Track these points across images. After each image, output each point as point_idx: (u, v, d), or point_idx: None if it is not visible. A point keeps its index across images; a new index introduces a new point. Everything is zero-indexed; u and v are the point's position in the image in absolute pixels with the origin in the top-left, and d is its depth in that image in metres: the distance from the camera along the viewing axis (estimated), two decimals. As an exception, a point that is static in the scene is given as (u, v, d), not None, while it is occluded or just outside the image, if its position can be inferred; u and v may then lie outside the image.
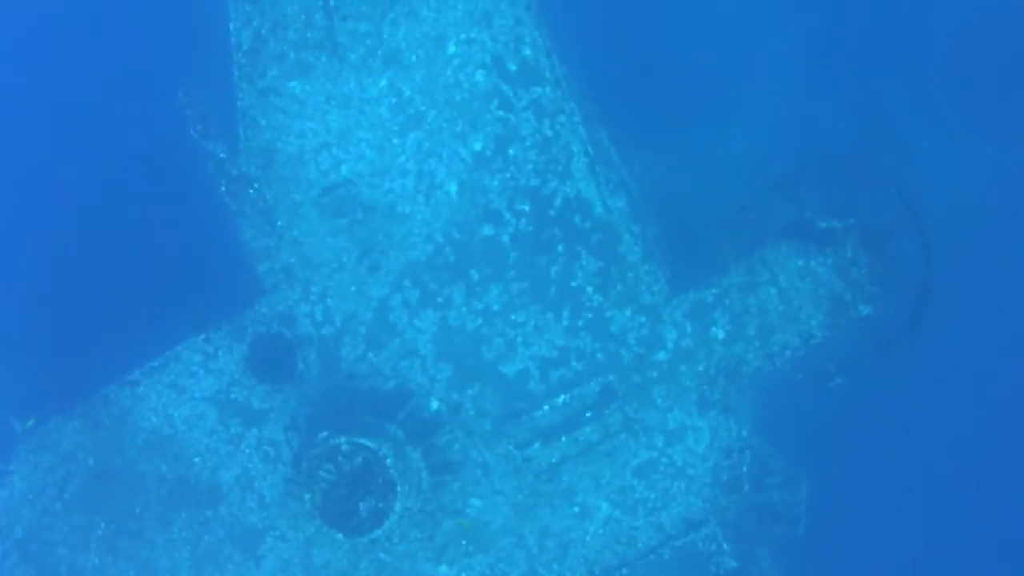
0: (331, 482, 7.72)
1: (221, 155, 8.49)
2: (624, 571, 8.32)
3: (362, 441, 7.65)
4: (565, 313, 8.21)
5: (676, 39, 9.89)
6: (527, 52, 8.15)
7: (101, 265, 10.60)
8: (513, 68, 8.17)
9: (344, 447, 7.68)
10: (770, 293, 8.10)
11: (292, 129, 8.39)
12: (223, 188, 8.49)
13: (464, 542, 8.45)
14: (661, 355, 8.19)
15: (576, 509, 8.37)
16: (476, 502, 8.40)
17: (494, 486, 8.38)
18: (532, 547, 8.43)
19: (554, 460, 8.26)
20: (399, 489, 7.64)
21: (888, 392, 9.09)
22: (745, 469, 8.18)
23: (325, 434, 7.76)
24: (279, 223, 8.46)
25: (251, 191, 8.49)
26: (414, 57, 8.26)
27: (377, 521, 7.67)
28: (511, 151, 8.20)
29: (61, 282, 10.75)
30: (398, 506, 7.63)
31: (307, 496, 7.77)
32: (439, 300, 8.31)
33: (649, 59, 9.75)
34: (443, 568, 8.50)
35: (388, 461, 7.62)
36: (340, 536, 7.72)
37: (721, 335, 8.14)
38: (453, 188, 8.27)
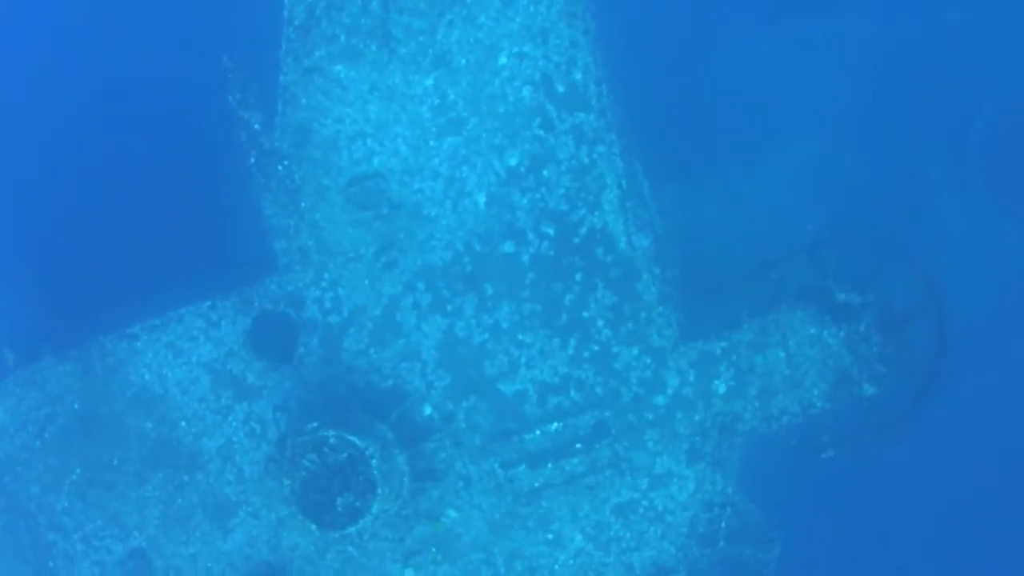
0: (313, 472, 7.70)
1: (256, 126, 8.42)
2: None
3: (350, 438, 7.63)
4: (572, 342, 8.18)
5: (725, 87, 9.83)
6: (577, 76, 8.08)
7: (120, 215, 10.53)
8: (561, 90, 8.11)
9: (332, 440, 7.66)
10: (778, 356, 8.08)
11: (331, 113, 8.32)
12: (253, 159, 8.43)
13: (434, 550, 8.45)
14: (660, 399, 8.17)
15: (550, 536, 8.37)
16: (453, 513, 8.40)
17: (473, 500, 8.37)
18: (500, 566, 8.44)
19: (536, 485, 8.25)
20: (379, 491, 7.62)
21: (877, 472, 9.09)
22: (723, 525, 8.19)
23: (315, 424, 7.74)
24: (303, 204, 8.40)
25: (280, 167, 8.43)
26: (464, 62, 8.18)
27: (352, 518, 7.66)
28: (545, 172, 8.15)
29: (79, 226, 10.67)
30: (375, 507, 7.62)
31: (287, 482, 7.76)
32: (449, 308, 8.27)
33: (696, 102, 9.68)
34: (409, 571, 8.51)
35: (373, 462, 7.61)
36: (313, 527, 7.71)
37: (722, 389, 8.13)
38: (482, 199, 8.22)
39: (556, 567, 8.39)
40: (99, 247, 10.57)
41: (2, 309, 10.02)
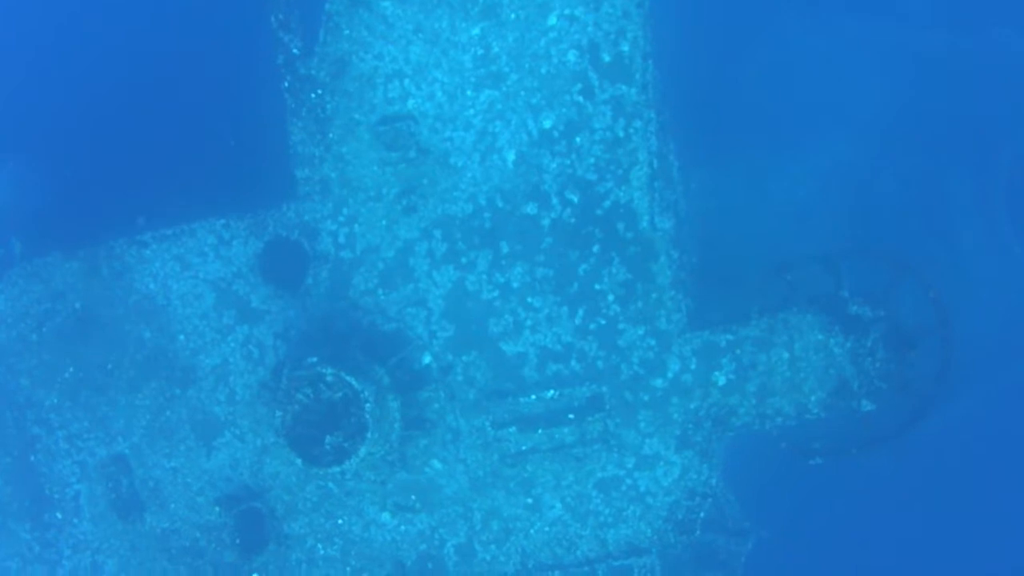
0: (306, 407, 7.69)
1: (295, 51, 8.31)
2: (555, 573, 8.41)
3: (348, 378, 7.59)
4: (580, 312, 8.15)
5: (766, 80, 9.73)
6: (625, 48, 7.96)
7: (146, 121, 10.40)
8: (606, 59, 7.99)
9: (329, 378, 7.62)
10: (781, 357, 8.07)
11: (372, 48, 8.20)
12: (286, 83, 8.33)
13: (413, 497, 8.49)
14: (659, 382, 8.17)
15: (530, 500, 8.41)
16: (437, 464, 8.43)
17: (459, 454, 8.40)
18: (476, 523, 8.49)
19: (524, 448, 8.27)
20: (369, 435, 7.60)
21: (861, 485, 9.14)
22: (702, 515, 8.23)
23: (314, 359, 7.70)
24: (330, 136, 8.31)
25: (313, 95, 8.33)
26: (513, 16, 8.05)
27: (338, 458, 7.64)
28: (578, 139, 8.06)
29: (102, 125, 10.55)
30: (363, 451, 7.61)
31: (279, 413, 7.73)
32: (463, 261, 8.23)
33: (736, 91, 9.59)
34: (386, 515, 8.56)
35: (367, 406, 7.58)
36: (298, 461, 7.70)
37: (722, 381, 8.13)
38: (511, 157, 8.14)
39: (531, 531, 8.44)
40: (120, 150, 10.47)
41: (15, 199, 9.96)
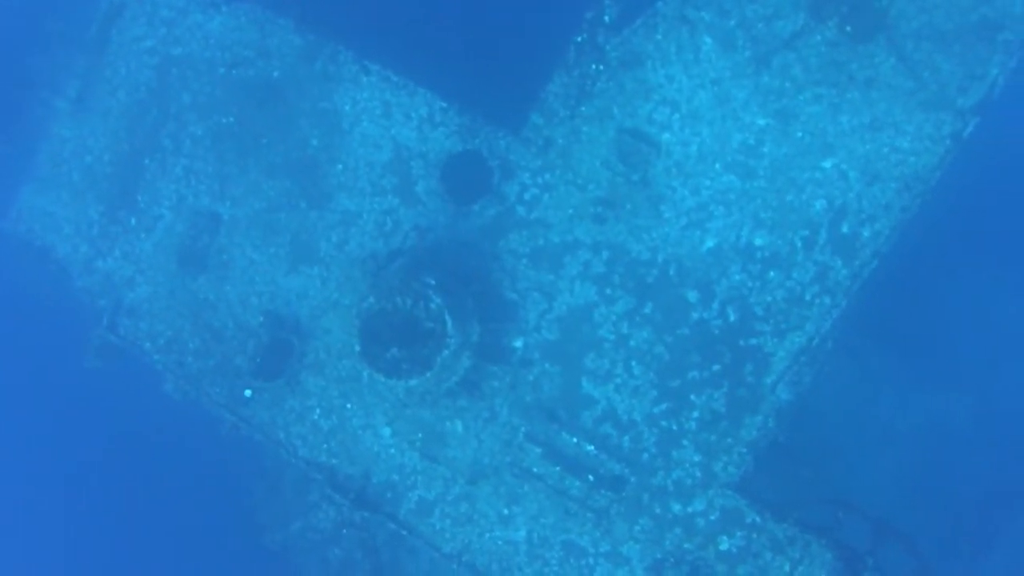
0: (395, 311, 7.74)
1: (606, 18, 8.29)
2: None
3: (448, 319, 7.67)
4: (663, 406, 8.28)
5: (944, 330, 9.78)
6: (865, 233, 7.95)
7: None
8: (844, 230, 7.99)
9: (432, 306, 7.68)
10: (782, 567, 8.21)
11: (670, 67, 8.13)
12: (580, 38, 8.31)
13: (420, 435, 8.68)
14: (676, 507, 8.33)
15: (505, 511, 8.61)
16: (459, 426, 8.60)
17: (480, 433, 8.57)
18: (450, 494, 8.69)
19: (535, 470, 8.45)
20: (427, 374, 7.71)
21: None
22: None
23: (433, 282, 7.76)
24: (582, 108, 8.32)
25: (593, 66, 8.32)
26: (800, 134, 8.01)
27: (388, 372, 7.74)
28: (772, 273, 8.10)
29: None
30: (413, 383, 7.72)
31: (370, 298, 7.80)
32: (607, 291, 8.31)
33: (915, 325, 9.63)
34: (387, 431, 8.76)
35: (446, 352, 7.68)
36: (357, 347, 7.81)
37: (724, 547, 8.28)
38: (709, 243, 8.18)
39: (486, 535, 8.65)
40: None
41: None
